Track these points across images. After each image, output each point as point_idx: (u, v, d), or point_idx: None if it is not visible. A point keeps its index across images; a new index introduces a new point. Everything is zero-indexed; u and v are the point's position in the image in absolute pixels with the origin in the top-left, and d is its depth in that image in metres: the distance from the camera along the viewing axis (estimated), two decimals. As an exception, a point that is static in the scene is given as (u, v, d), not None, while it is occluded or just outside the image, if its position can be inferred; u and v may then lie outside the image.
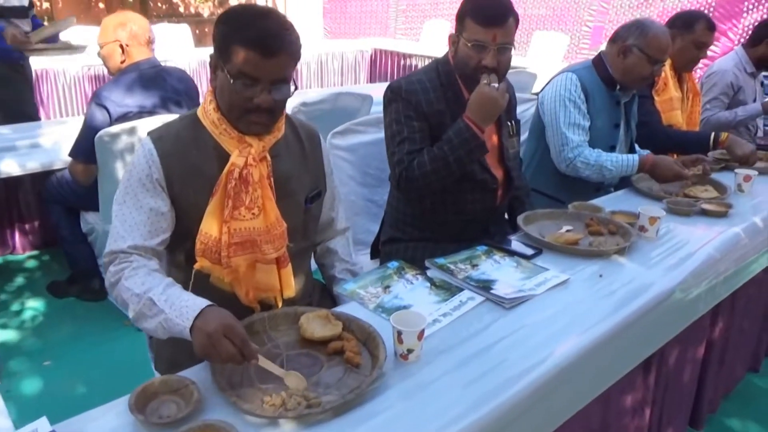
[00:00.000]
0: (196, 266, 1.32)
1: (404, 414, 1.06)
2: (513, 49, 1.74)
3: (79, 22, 5.61)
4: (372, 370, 1.13)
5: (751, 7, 5.29)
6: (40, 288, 2.96)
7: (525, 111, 2.67)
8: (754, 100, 3.26)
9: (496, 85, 1.67)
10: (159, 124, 1.40)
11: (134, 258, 1.27)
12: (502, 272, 1.56)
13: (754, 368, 2.47)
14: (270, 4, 9.02)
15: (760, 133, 3.47)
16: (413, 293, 1.45)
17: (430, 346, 1.23)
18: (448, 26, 7.03)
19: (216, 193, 1.29)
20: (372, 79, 7.10)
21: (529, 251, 1.68)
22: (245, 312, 1.30)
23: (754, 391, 2.39)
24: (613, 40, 2.27)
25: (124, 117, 2.36)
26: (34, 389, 2.25)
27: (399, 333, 1.17)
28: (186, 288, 1.25)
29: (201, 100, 1.41)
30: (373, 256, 2.12)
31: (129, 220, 1.30)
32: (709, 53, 2.92)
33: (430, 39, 7.19)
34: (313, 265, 1.67)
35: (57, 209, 2.75)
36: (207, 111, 1.33)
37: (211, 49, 1.31)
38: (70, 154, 2.47)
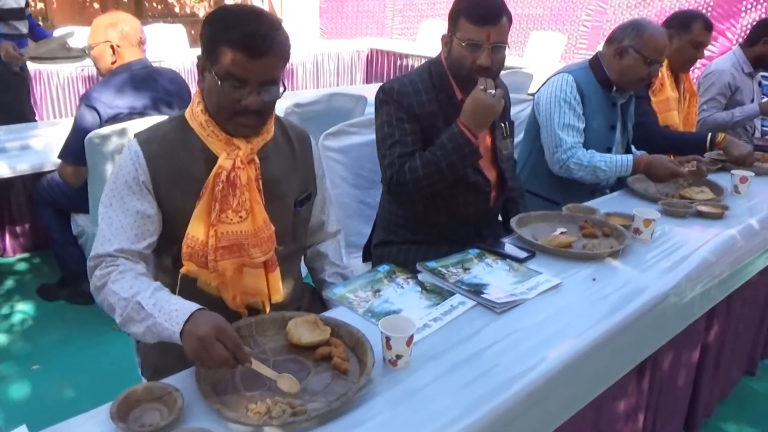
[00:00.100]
0: (183, 270, 1.30)
1: (392, 421, 1.04)
2: (507, 48, 1.72)
3: (74, 23, 5.60)
4: (360, 376, 1.11)
5: (749, 6, 5.29)
6: (30, 291, 2.93)
7: (520, 112, 2.65)
8: (752, 101, 3.25)
9: (493, 91, 1.64)
10: (149, 125, 1.38)
11: (121, 261, 1.25)
12: (494, 276, 1.54)
13: (750, 371, 2.45)
14: (267, 5, 9.00)
15: (757, 134, 3.45)
16: (403, 297, 1.43)
17: (419, 352, 1.21)
18: (446, 26, 6.99)
19: (203, 196, 1.27)
20: (368, 79, 7.06)
21: (522, 254, 1.66)
22: (232, 317, 1.27)
23: (750, 394, 2.37)
24: (610, 41, 2.25)
25: (115, 118, 2.33)
26: (22, 394, 2.23)
27: (387, 339, 1.15)
28: (173, 292, 1.22)
29: (193, 101, 1.39)
30: (365, 259, 2.09)
31: (115, 223, 1.28)
32: (707, 53, 2.91)
33: (427, 39, 7.15)
34: (304, 270, 1.65)
35: (48, 212, 2.72)
36: (195, 113, 1.31)
37: (205, 51, 1.29)
38: (59, 156, 2.43)
